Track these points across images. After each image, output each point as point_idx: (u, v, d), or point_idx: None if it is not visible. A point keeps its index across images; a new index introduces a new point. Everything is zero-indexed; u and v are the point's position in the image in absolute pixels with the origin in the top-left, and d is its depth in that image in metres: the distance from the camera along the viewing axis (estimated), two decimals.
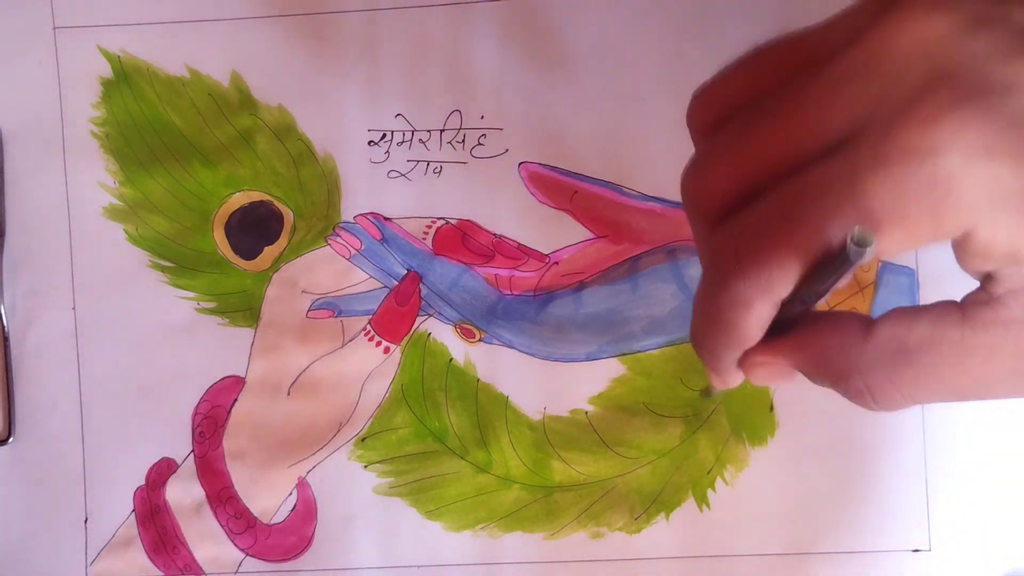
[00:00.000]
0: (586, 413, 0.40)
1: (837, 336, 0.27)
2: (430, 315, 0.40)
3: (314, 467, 0.40)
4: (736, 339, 0.28)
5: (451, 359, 0.40)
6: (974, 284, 0.38)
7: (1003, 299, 0.25)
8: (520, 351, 0.40)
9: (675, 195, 0.39)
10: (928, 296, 0.38)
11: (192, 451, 0.41)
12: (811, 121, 0.24)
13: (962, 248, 0.23)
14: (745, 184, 0.26)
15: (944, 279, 0.38)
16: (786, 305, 0.27)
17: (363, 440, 0.40)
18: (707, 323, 0.28)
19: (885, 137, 0.22)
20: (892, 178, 0.22)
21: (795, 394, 0.39)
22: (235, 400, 0.41)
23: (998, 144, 0.21)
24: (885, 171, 0.22)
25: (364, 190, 0.41)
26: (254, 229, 0.41)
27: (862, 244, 0.22)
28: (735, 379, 0.29)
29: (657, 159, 0.39)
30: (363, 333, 0.40)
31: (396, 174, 0.40)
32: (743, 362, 0.28)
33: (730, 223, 0.26)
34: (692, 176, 0.28)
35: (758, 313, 0.26)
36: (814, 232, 0.23)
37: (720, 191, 0.27)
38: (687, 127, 0.30)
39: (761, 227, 0.25)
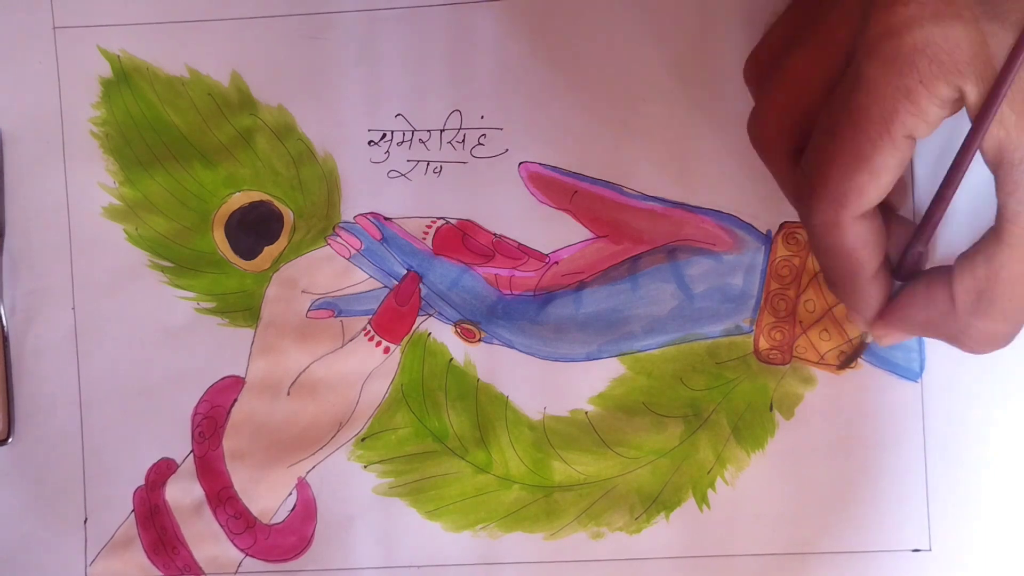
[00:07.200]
0: (586, 413, 0.40)
1: (929, 311, 0.30)
2: (430, 315, 0.40)
3: (314, 467, 0.40)
4: (850, 264, 0.31)
5: (451, 359, 0.40)
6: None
7: (1014, 210, 0.27)
8: (520, 351, 0.40)
9: (675, 195, 0.39)
10: None
11: (192, 451, 0.41)
12: (826, 40, 0.29)
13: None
14: (797, 113, 0.31)
15: None
16: (906, 248, 0.31)
17: (363, 440, 0.40)
18: (821, 258, 0.32)
19: (867, 27, 0.27)
20: (883, 59, 0.26)
21: (795, 394, 0.39)
22: (235, 400, 0.41)
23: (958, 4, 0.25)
24: (877, 55, 0.26)
25: (364, 190, 0.41)
26: (254, 229, 0.41)
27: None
28: (874, 316, 0.32)
29: (657, 159, 0.39)
30: (363, 333, 0.40)
31: (396, 174, 0.40)
32: (872, 329, 0.33)
33: (800, 160, 0.30)
34: (753, 122, 0.33)
35: (851, 231, 0.29)
36: (853, 136, 0.27)
37: (778, 126, 0.32)
38: (746, 87, 0.34)
39: (817, 152, 0.29)
